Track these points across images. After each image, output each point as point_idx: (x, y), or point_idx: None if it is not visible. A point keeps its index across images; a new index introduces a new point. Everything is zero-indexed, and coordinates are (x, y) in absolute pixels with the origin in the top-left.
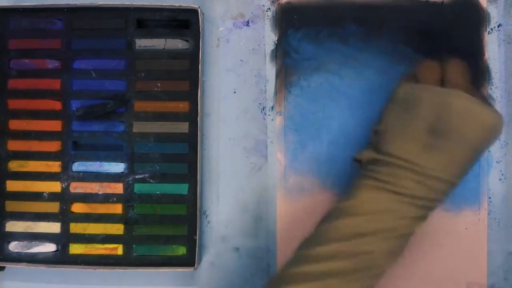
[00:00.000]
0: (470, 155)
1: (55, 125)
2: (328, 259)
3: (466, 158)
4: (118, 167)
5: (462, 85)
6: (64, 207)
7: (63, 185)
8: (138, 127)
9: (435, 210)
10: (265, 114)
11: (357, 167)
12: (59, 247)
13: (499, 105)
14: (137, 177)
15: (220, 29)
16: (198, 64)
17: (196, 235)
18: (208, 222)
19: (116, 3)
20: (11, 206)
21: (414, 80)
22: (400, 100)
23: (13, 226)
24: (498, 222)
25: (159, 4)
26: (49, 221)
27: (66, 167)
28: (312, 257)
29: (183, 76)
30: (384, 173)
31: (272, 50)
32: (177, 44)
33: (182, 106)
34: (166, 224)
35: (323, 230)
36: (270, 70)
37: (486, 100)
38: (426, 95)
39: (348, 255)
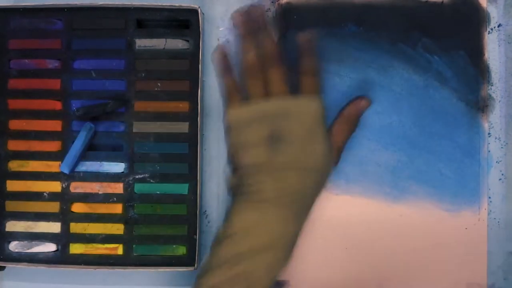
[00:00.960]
0: (307, 141)
1: (55, 125)
2: None
3: (305, 144)
4: (118, 167)
5: (280, 90)
6: (64, 207)
7: (63, 185)
8: (138, 127)
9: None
10: None
11: (231, 195)
12: (59, 247)
13: (499, 105)
14: (137, 177)
15: (220, 29)
16: (198, 64)
17: (196, 235)
18: (208, 222)
19: (116, 3)
20: (11, 206)
21: (237, 97)
22: (236, 123)
23: (13, 226)
24: (498, 222)
25: (159, 4)
26: (49, 221)
27: None
28: None
29: (183, 76)
30: (246, 186)
31: None
32: (177, 44)
33: (182, 106)
34: (166, 224)
35: (208, 259)
36: None
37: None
38: (253, 114)
39: (227, 279)
